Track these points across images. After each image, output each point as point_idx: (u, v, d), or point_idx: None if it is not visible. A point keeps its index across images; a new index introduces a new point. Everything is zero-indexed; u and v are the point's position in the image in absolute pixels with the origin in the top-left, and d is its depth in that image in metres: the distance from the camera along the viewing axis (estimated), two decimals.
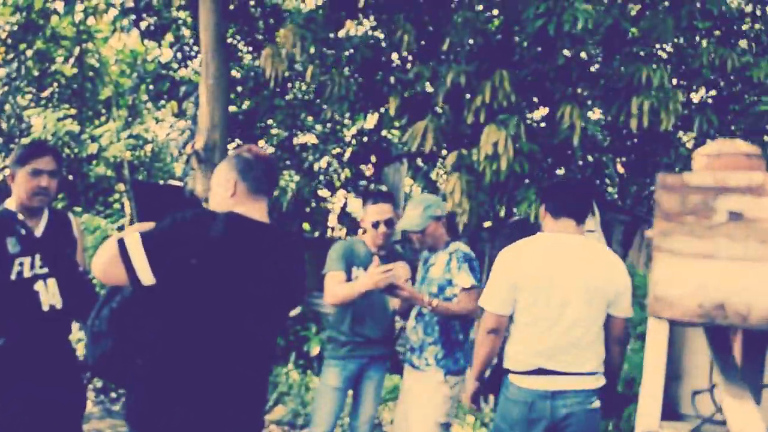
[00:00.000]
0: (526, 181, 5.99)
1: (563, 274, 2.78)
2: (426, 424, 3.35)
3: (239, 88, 8.31)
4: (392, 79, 6.57)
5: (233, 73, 8.21)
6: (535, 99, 6.36)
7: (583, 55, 5.55)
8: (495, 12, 6.18)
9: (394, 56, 6.82)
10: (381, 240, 3.61)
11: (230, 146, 8.21)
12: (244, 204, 2.16)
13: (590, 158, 8.92)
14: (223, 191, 2.19)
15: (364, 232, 3.73)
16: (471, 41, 5.86)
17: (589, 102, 6.00)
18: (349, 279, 3.55)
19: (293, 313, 2.43)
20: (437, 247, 3.51)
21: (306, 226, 11.22)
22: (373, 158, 9.32)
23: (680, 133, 9.76)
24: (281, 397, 5.99)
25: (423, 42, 6.39)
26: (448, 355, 3.41)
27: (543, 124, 6.06)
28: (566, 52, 5.44)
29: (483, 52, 6.01)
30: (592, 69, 5.64)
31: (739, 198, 0.89)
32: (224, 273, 2.01)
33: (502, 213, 6.45)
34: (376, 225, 3.59)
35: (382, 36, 6.65)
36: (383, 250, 3.68)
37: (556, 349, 2.78)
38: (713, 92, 6.07)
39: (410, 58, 6.52)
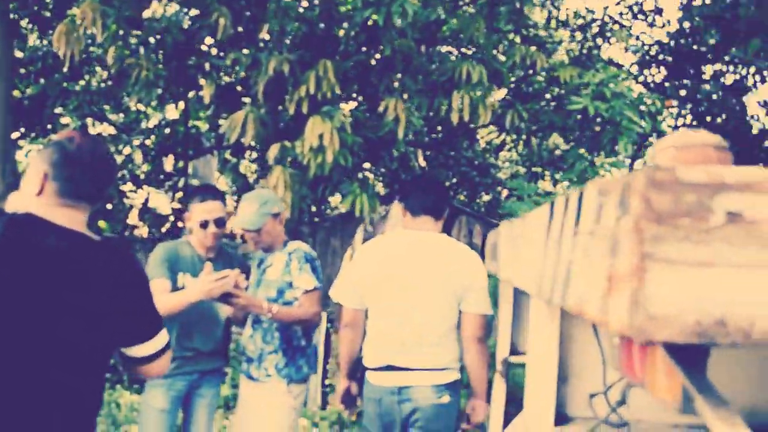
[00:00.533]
0: (351, 174, 5.88)
1: (411, 271, 2.80)
2: None
3: (23, 70, 7.27)
4: (207, 66, 6.11)
5: (17, 53, 7.17)
6: (359, 90, 6.27)
7: (407, 48, 5.54)
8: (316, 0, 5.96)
9: (209, 41, 6.35)
10: (211, 241, 3.27)
11: (13, 135, 7.18)
12: (52, 208, 1.73)
13: (395, 152, 9.12)
14: (29, 188, 1.75)
15: (190, 232, 3.36)
16: (293, 29, 5.61)
17: (408, 96, 6.03)
18: (174, 287, 3.16)
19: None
20: (275, 246, 3.25)
21: (102, 224, 10.24)
22: (179, 150, 8.68)
23: (481, 131, 10.34)
24: None
25: (240, 28, 6.01)
26: (290, 363, 3.17)
27: (368, 116, 5.98)
28: (391, 45, 5.38)
29: (306, 41, 5.79)
30: (415, 62, 5.65)
31: (738, 196, 0.74)
32: None
33: (327, 207, 6.28)
34: (204, 225, 3.24)
35: (194, 18, 6.14)
36: (213, 252, 3.34)
37: (404, 346, 2.78)
38: (523, 87, 6.40)
39: (226, 43, 6.09)
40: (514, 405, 2.75)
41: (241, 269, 3.35)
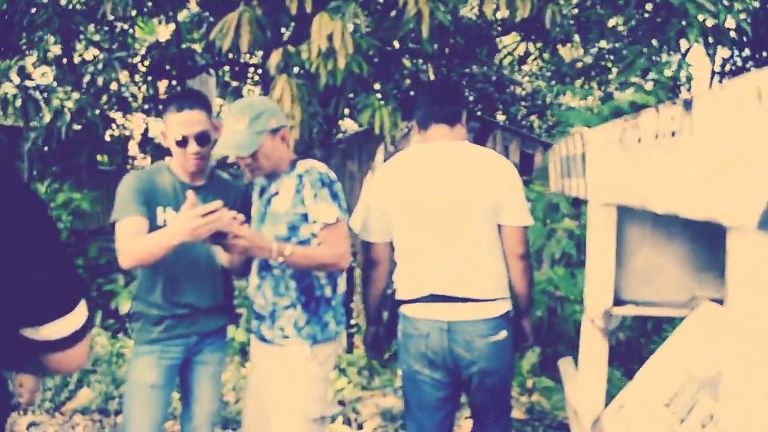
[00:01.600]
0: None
1: (437, 187, 2.53)
2: (292, 421, 2.39)
3: None
4: None
5: None
6: None
7: None
8: None
9: None
10: (193, 165, 2.51)
11: None
12: None
13: (407, 63, 8.14)
14: None
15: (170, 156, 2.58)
16: None
17: None
18: (153, 226, 2.41)
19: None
20: (279, 170, 2.47)
21: (100, 157, 9.46)
22: (173, 72, 7.79)
23: (501, 38, 9.34)
24: (85, 376, 4.71)
25: None
26: (313, 319, 2.45)
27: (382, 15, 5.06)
28: None
29: None
30: None
31: None
32: None
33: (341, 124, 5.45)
34: (182, 143, 2.47)
35: None
36: (200, 179, 2.57)
37: (444, 271, 2.50)
38: None
39: None
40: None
41: (241, 203, 2.60)
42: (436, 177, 2.53)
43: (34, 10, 6.40)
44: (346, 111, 5.85)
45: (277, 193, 2.47)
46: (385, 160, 6.28)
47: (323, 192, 2.39)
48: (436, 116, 2.62)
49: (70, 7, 7.05)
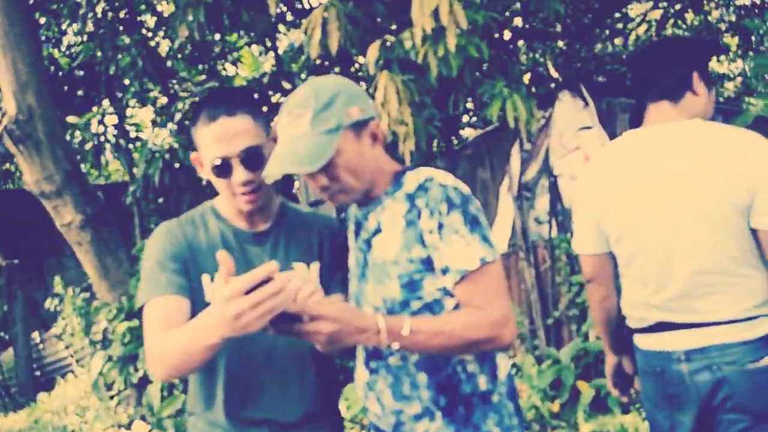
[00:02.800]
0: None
1: (664, 184, 1.83)
2: None
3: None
4: None
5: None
6: None
7: None
8: None
9: None
10: (246, 201, 1.62)
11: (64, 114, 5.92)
12: None
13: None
14: None
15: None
16: None
17: None
18: (200, 305, 1.52)
19: None
20: (377, 190, 1.55)
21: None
22: (272, 100, 7.14)
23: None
24: None
25: None
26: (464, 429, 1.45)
27: None
28: None
29: None
30: None
31: None
32: None
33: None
34: (223, 169, 1.59)
35: None
36: (264, 220, 1.72)
37: (676, 293, 1.85)
38: None
39: None
40: None
41: (332, 251, 1.71)
42: (662, 172, 1.86)
43: (120, 56, 5.95)
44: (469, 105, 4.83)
45: (378, 230, 1.53)
46: (523, 161, 5.26)
47: (454, 219, 1.43)
48: (649, 91, 1.95)
49: (159, 48, 6.61)
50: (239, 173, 1.56)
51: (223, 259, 1.24)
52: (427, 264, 1.44)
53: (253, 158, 1.56)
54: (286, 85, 7.00)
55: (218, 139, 1.55)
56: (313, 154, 1.39)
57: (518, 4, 4.27)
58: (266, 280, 1.18)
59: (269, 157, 1.54)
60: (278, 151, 1.43)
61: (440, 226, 1.42)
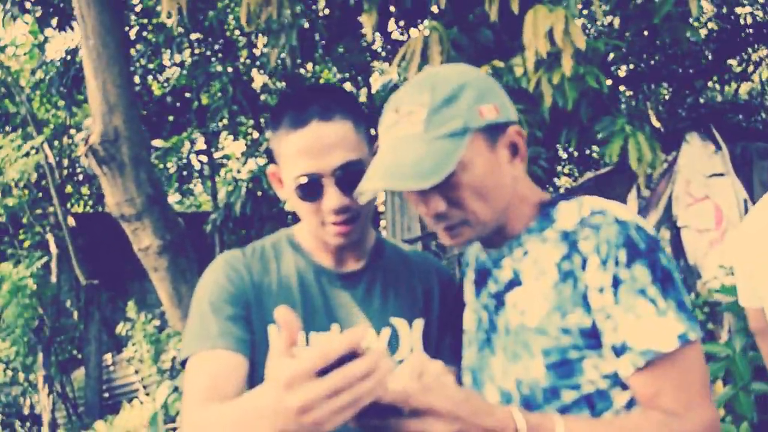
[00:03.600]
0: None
1: None
2: None
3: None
4: None
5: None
6: None
7: None
8: None
9: None
10: (337, 233, 1.24)
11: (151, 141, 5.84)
12: None
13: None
14: None
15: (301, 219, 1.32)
16: None
17: None
18: (259, 368, 1.18)
19: None
20: (516, 225, 1.13)
21: None
22: None
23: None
24: None
25: None
26: None
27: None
28: None
29: None
30: None
31: None
32: None
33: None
34: (310, 189, 1.21)
35: None
36: (357, 258, 1.35)
37: None
38: None
39: None
40: None
41: (442, 309, 1.36)
42: None
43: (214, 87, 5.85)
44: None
45: (516, 282, 1.11)
46: (640, 210, 4.72)
47: (639, 273, 0.99)
48: None
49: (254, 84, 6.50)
50: (332, 197, 1.18)
51: (285, 318, 0.84)
52: (591, 337, 1.01)
53: (352, 177, 1.16)
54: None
55: (307, 150, 1.17)
56: (428, 165, 0.98)
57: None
58: (351, 355, 0.79)
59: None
60: (379, 161, 1.04)
61: (616, 283, 0.98)
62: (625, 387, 1.02)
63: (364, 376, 0.77)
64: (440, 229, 1.08)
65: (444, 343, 1.28)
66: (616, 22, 4.53)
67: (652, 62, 5.92)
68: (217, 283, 1.25)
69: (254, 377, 1.17)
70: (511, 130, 1.07)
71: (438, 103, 1.01)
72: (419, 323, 1.28)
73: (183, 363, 1.22)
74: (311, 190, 1.18)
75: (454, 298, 1.29)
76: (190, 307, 1.29)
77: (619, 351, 0.99)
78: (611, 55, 4.85)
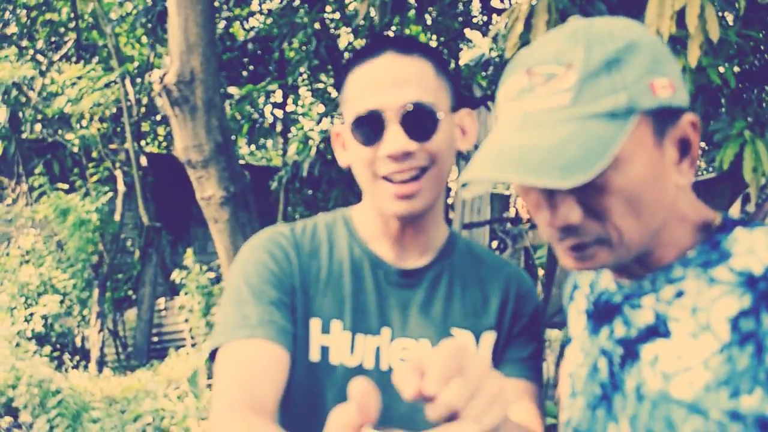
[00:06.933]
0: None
1: None
2: None
3: None
4: None
5: None
6: None
7: None
8: None
9: None
10: (400, 195, 0.98)
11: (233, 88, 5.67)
12: None
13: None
14: None
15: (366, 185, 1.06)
16: None
17: None
18: (303, 362, 1.02)
19: None
20: (663, 251, 0.81)
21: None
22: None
23: None
24: None
25: None
26: None
27: None
28: None
29: None
30: None
31: None
32: None
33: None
34: (368, 126, 0.98)
35: None
36: (421, 251, 1.09)
37: None
38: None
39: None
40: None
41: (510, 319, 1.10)
42: None
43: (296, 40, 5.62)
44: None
45: (661, 332, 0.80)
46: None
47: None
48: None
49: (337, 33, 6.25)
50: (394, 137, 0.95)
51: (361, 391, 0.56)
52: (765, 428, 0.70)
53: (423, 121, 0.95)
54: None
55: (376, 82, 0.96)
56: (575, 154, 0.68)
57: None
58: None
59: (452, 146, 0.97)
60: (497, 141, 0.75)
61: None
62: None
63: None
64: (564, 247, 0.78)
65: (508, 356, 1.06)
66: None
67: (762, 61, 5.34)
68: (260, 262, 1.03)
69: (292, 376, 0.98)
70: (685, 119, 0.77)
71: (595, 67, 0.71)
72: (489, 337, 1.05)
73: (212, 355, 1.01)
74: (370, 128, 0.96)
75: (532, 314, 1.06)
76: (224, 288, 1.09)
77: None
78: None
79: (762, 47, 3.40)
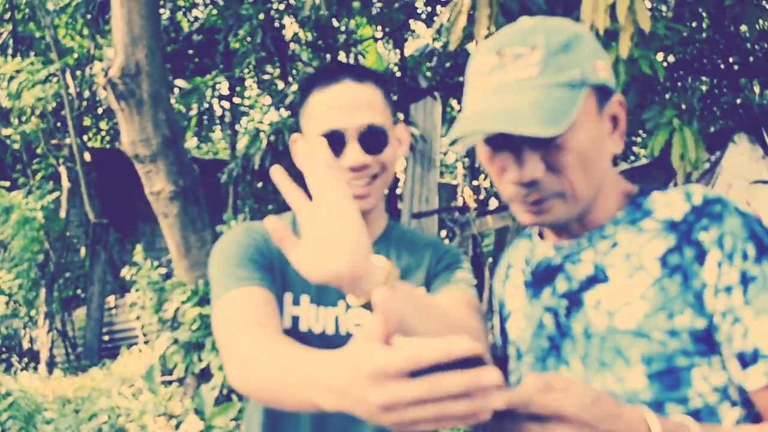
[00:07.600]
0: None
1: None
2: None
3: None
4: None
5: None
6: None
7: None
8: None
9: None
10: (355, 197, 1.16)
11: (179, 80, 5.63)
12: None
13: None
14: None
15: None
16: None
17: None
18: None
19: None
20: (596, 213, 0.96)
21: None
22: (393, 97, 6.64)
23: None
24: None
25: None
26: None
27: None
28: None
29: None
30: None
31: None
32: None
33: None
34: (331, 144, 1.14)
35: None
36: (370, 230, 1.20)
37: None
38: None
39: None
40: None
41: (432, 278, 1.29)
42: None
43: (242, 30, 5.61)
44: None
45: (599, 279, 0.95)
46: None
47: None
48: None
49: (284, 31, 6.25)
50: (353, 153, 1.15)
51: (383, 302, 0.66)
52: (704, 342, 0.86)
53: (375, 140, 1.17)
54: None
55: (338, 106, 1.16)
56: (550, 110, 0.85)
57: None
58: (472, 360, 0.64)
59: (394, 155, 1.21)
60: (483, 104, 0.90)
61: (745, 281, 0.84)
62: (734, 403, 0.87)
63: (460, 393, 0.63)
64: (525, 203, 0.93)
65: (437, 283, 1.24)
66: None
67: (695, 52, 5.59)
68: (241, 243, 1.19)
69: None
70: (615, 98, 0.95)
71: (555, 48, 0.88)
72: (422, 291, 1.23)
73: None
74: (332, 145, 1.14)
75: (451, 257, 1.26)
76: (208, 271, 1.21)
77: (749, 359, 0.84)
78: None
79: (696, 37, 3.58)
